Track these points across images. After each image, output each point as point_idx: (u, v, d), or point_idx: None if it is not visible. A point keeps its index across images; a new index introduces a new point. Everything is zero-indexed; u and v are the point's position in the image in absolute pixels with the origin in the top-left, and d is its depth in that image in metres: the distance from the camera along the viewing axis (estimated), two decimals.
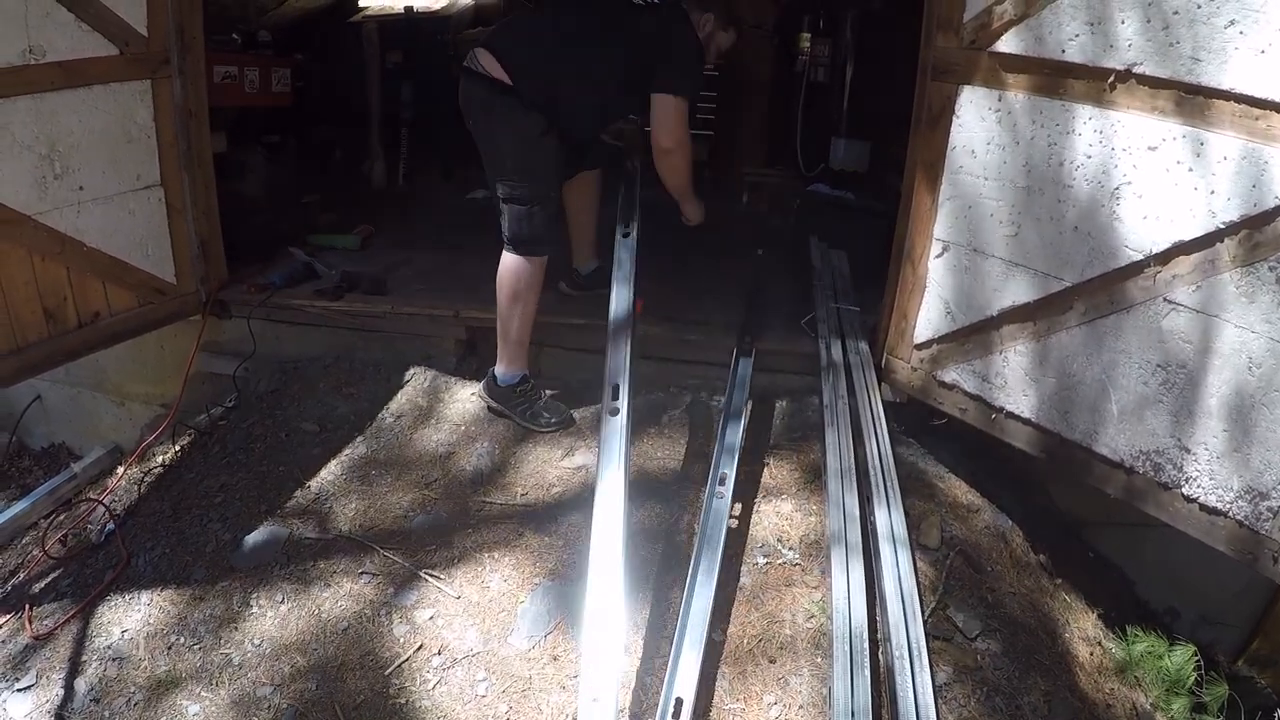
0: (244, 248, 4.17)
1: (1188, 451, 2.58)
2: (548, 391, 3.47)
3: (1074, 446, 2.87)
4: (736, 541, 2.82)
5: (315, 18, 5.90)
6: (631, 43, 3.27)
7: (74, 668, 2.76)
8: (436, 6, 7.16)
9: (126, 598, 2.95)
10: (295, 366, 3.85)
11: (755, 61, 5.85)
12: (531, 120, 3.17)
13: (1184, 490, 2.62)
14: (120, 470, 3.63)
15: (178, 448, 3.62)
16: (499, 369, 3.42)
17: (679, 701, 2.19)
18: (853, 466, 2.83)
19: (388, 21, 6.20)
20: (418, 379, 3.71)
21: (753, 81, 5.97)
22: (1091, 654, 2.99)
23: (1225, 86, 2.29)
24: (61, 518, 3.49)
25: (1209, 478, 2.55)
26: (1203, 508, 2.59)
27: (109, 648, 2.79)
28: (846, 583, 2.53)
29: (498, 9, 6.86)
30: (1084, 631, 3.07)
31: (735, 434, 2.99)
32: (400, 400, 3.61)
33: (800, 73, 5.46)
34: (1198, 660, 3.04)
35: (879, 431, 2.97)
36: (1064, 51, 2.61)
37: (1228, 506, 2.53)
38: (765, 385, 3.44)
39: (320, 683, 2.57)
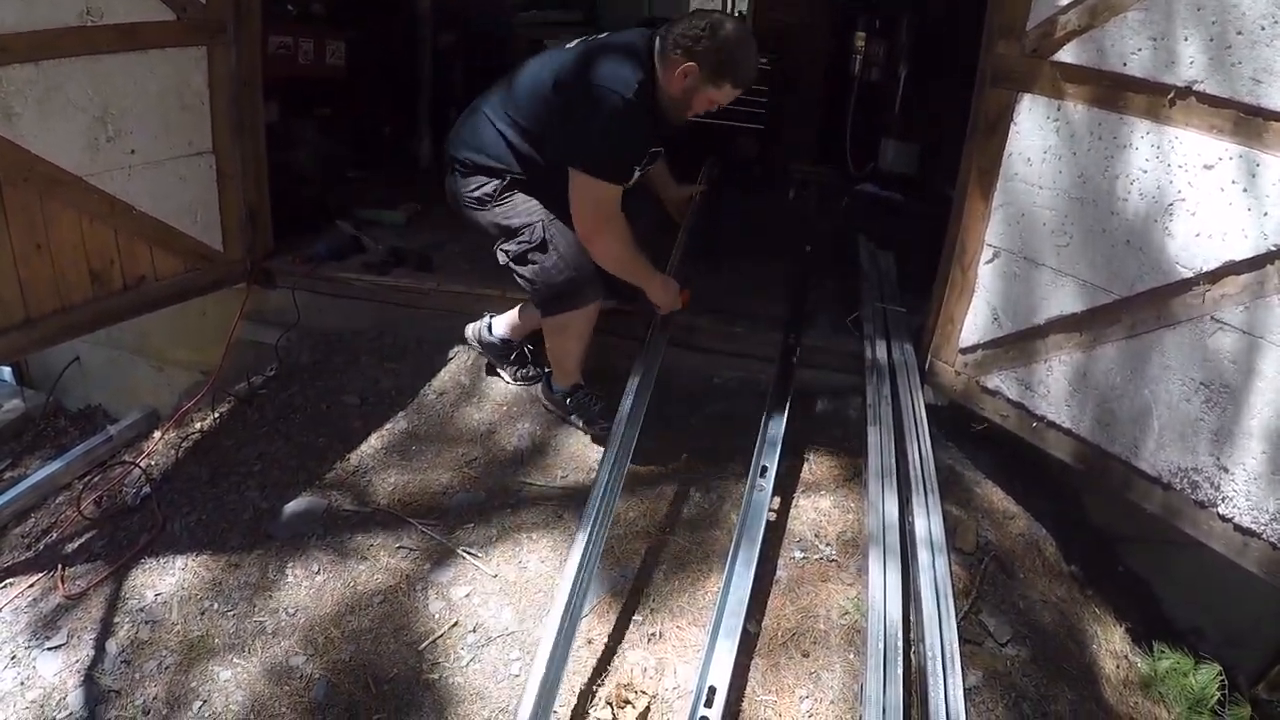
0: (290, 218, 4.23)
1: (1225, 471, 2.61)
2: (597, 401, 3.40)
3: (1113, 460, 2.90)
4: (774, 534, 2.86)
5: None
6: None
7: (105, 628, 2.78)
8: None
9: (161, 561, 2.98)
10: (338, 339, 3.91)
11: (809, 59, 5.88)
12: None
13: (1219, 510, 2.64)
14: (158, 434, 3.67)
15: (217, 415, 3.68)
16: (554, 379, 3.43)
17: (712, 690, 2.23)
18: (894, 468, 2.87)
19: (441, 2, 6.25)
20: (461, 357, 3.76)
21: (805, 78, 5.99)
22: (1118, 667, 3.01)
23: None
24: (96, 479, 3.52)
25: (1245, 498, 2.58)
26: (1237, 528, 2.62)
27: (141, 610, 2.82)
28: (884, 583, 2.57)
29: None
30: (1111, 644, 3.09)
31: (778, 428, 3.04)
32: (443, 377, 3.67)
33: (854, 72, 5.49)
34: (1222, 680, 3.05)
35: (921, 434, 3.01)
36: (1125, 65, 2.63)
37: (1262, 528, 2.56)
38: (808, 381, 3.49)
39: (354, 654, 2.61)
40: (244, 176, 3.87)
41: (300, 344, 3.92)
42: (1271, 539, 2.54)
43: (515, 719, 2.10)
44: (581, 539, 2.47)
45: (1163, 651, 3.14)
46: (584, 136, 2.87)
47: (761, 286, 4.13)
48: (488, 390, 3.63)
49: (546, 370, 3.48)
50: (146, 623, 2.78)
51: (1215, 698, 3.03)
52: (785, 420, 3.10)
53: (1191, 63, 2.47)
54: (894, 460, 2.91)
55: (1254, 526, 2.57)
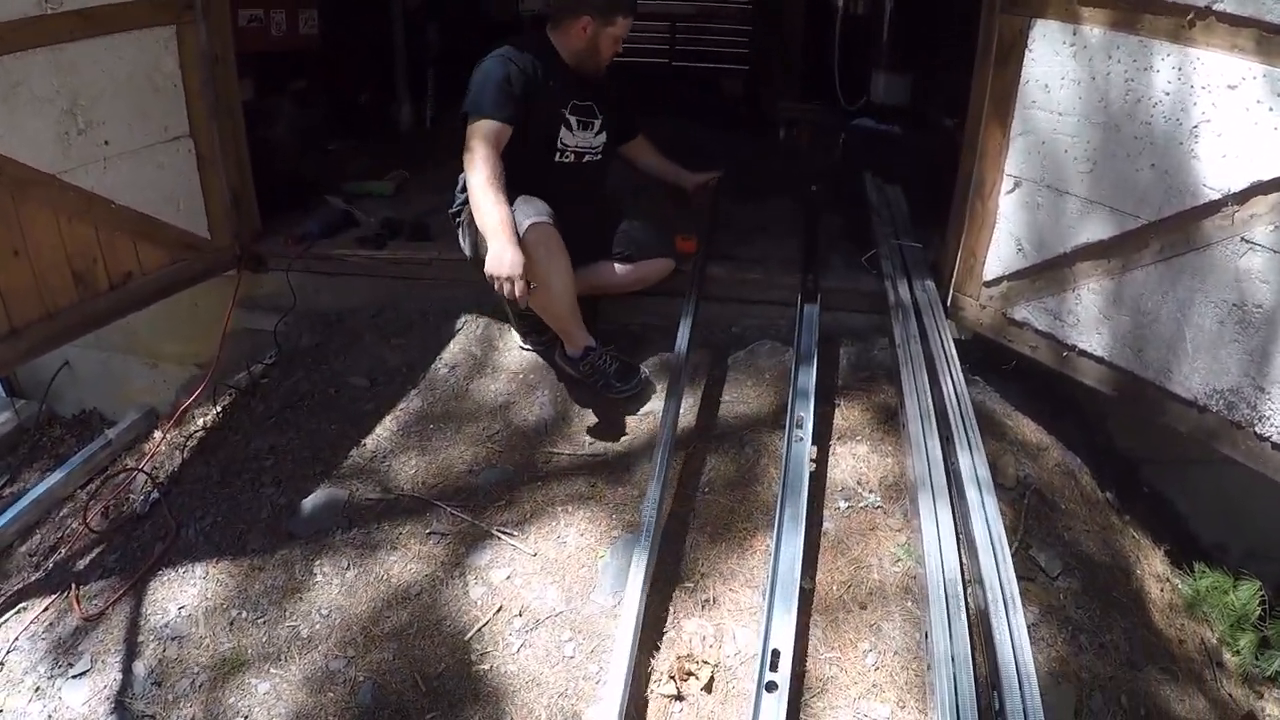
0: (276, 198, 4.10)
1: (1261, 390, 2.59)
2: (612, 361, 3.29)
3: (1147, 384, 2.87)
4: (816, 486, 2.79)
5: None
6: None
7: (130, 649, 2.67)
8: None
9: (180, 571, 2.87)
10: (338, 319, 3.80)
11: None
12: None
13: (1257, 429, 2.63)
14: (159, 435, 3.56)
15: (218, 409, 3.57)
16: (566, 344, 3.34)
17: (776, 654, 2.17)
18: (931, 409, 2.82)
19: None
20: (469, 327, 3.65)
21: (786, 13, 5.88)
22: (1162, 590, 3.03)
23: None
24: (100, 488, 3.40)
25: None
26: (1275, 446, 2.60)
27: (166, 626, 2.71)
28: (936, 529, 2.50)
29: None
30: (1154, 568, 3.09)
31: (808, 377, 2.98)
32: (453, 350, 3.56)
33: (837, 5, 5.36)
34: (1262, 595, 3.07)
35: (954, 372, 2.94)
36: None
37: None
38: (828, 325, 3.40)
39: (397, 652, 2.52)
40: (225, 159, 3.73)
41: (299, 327, 3.79)
42: None
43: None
44: (647, 522, 2.45)
45: (1203, 571, 3.16)
46: (465, 94, 3.14)
47: (768, 229, 4.06)
48: (501, 360, 3.52)
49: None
50: (173, 639, 2.68)
51: (1256, 613, 3.05)
52: (815, 368, 3.04)
53: None
54: (930, 402, 2.86)
55: None
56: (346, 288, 3.87)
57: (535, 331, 3.44)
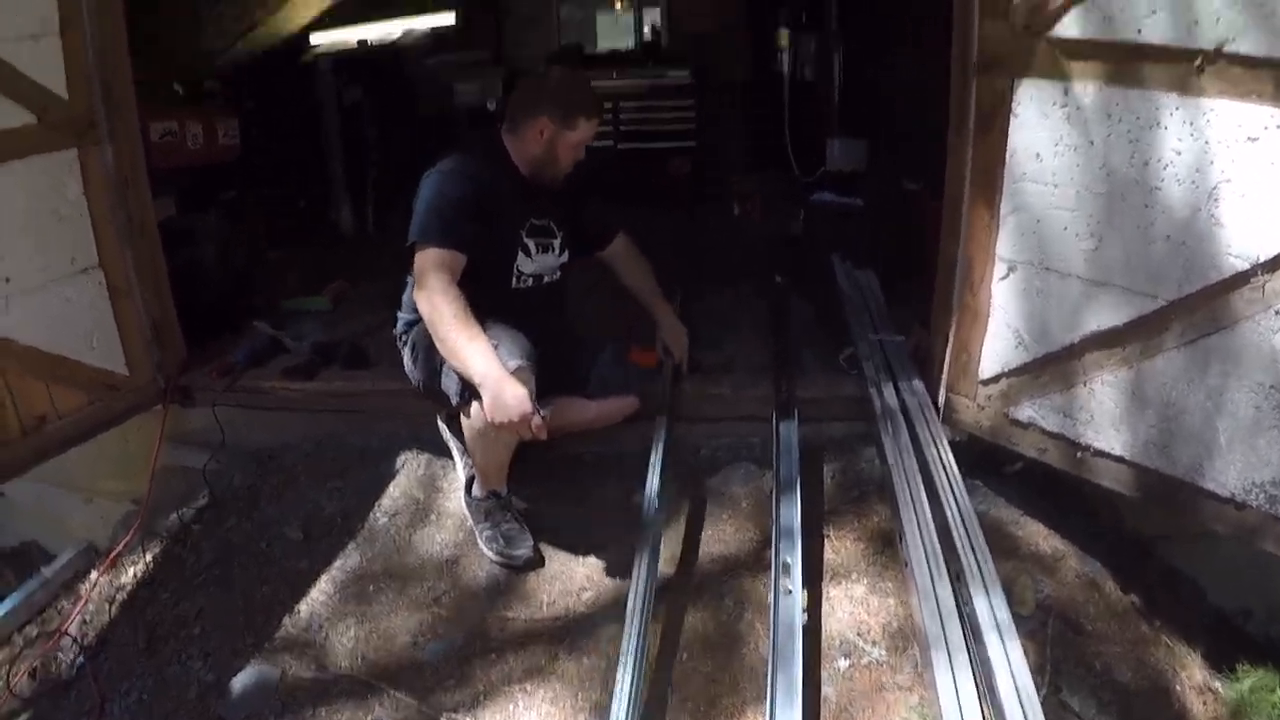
0: (205, 323, 3.57)
1: None
2: (511, 521, 2.72)
3: (1176, 484, 2.37)
4: (811, 642, 2.25)
5: (268, 59, 5.26)
6: None
7: None
8: (392, 37, 6.48)
9: None
10: (270, 457, 3.24)
11: (729, 64, 5.29)
12: None
13: None
14: (93, 576, 3.04)
15: (149, 558, 3.02)
16: (475, 483, 2.79)
17: None
18: (935, 541, 2.28)
19: (342, 57, 5.58)
20: (410, 466, 3.08)
21: (728, 86, 5.40)
22: (1205, 704, 2.52)
23: None
24: (24, 649, 2.86)
25: None
26: None
27: None
28: (954, 687, 1.98)
29: (458, 35, 6.27)
30: (1193, 679, 2.59)
31: (792, 512, 2.44)
32: (393, 494, 2.99)
33: (782, 71, 4.88)
34: None
35: (956, 491, 2.42)
36: (1140, 32, 2.10)
37: None
38: (807, 436, 2.86)
39: None
40: (141, 287, 3.20)
41: (231, 466, 3.23)
42: None
43: None
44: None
45: (1245, 670, 2.66)
46: (411, 217, 2.58)
47: (732, 325, 3.51)
48: (445, 505, 2.94)
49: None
50: None
51: None
52: (798, 500, 2.49)
53: (1218, 19, 1.97)
54: (932, 528, 2.31)
55: None
56: (278, 422, 3.29)
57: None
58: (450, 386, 2.51)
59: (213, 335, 3.54)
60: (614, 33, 7.00)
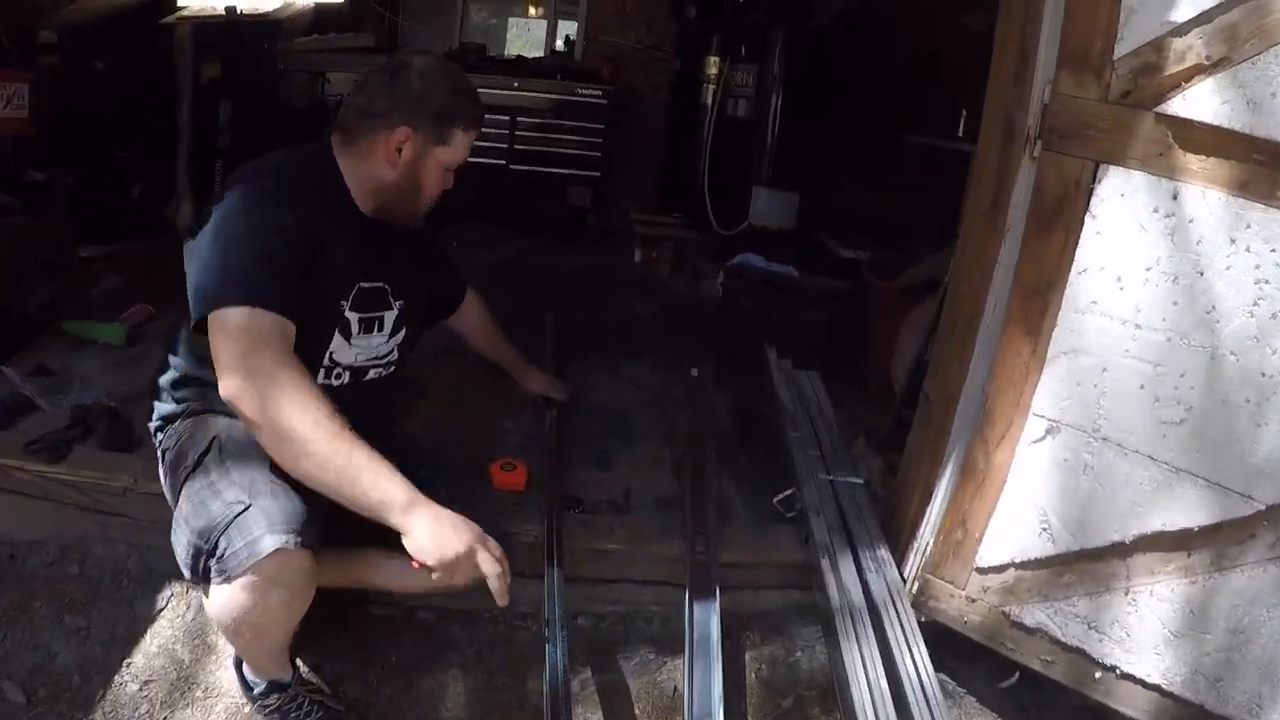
0: None
1: None
2: (313, 708, 1.75)
3: None
4: None
5: (128, 17, 4.08)
6: None
7: None
8: (267, 8, 5.29)
9: None
10: (10, 557, 2.11)
11: (648, 89, 4.38)
12: None
13: None
14: None
15: None
16: (246, 667, 1.80)
17: None
18: None
19: (205, 25, 4.41)
20: (175, 607, 2.01)
21: (645, 112, 4.48)
22: None
23: None
24: None
25: None
26: None
27: None
28: None
29: (344, 15, 5.18)
30: None
31: None
32: (149, 648, 1.93)
33: (707, 104, 3.98)
34: None
35: None
36: None
37: None
38: (727, 609, 1.91)
39: None
40: None
41: None
42: None
43: None
44: None
45: None
46: (193, 272, 1.56)
47: (630, 440, 2.50)
48: (217, 680, 1.88)
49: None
50: None
51: None
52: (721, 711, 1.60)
53: None
54: None
55: None
56: (22, 510, 2.16)
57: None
58: (180, 544, 1.53)
59: None
60: (525, 41, 6.10)
